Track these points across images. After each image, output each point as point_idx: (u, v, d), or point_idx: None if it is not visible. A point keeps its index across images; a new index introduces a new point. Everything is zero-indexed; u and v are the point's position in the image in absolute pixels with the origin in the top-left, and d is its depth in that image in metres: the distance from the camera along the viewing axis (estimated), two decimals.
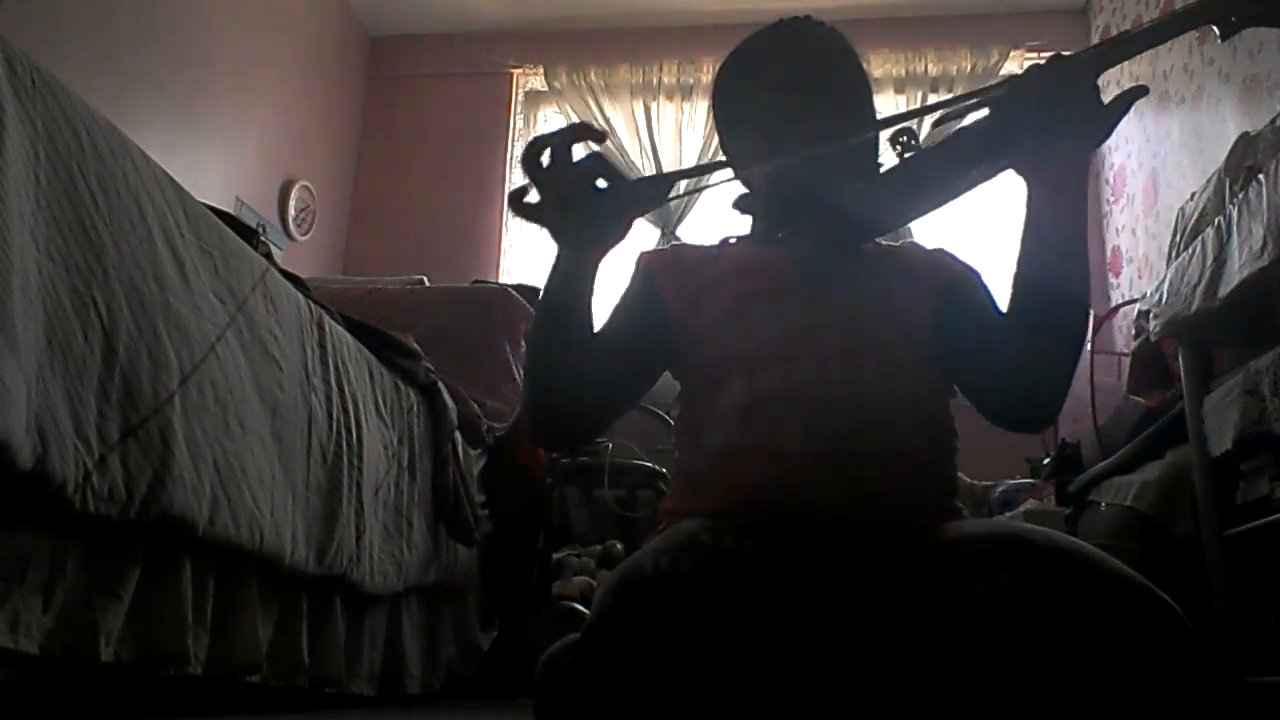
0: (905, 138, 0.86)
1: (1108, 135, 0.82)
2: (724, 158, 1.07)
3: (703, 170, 0.98)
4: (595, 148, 0.85)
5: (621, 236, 0.87)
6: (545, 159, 0.81)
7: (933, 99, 3.90)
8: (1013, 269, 0.90)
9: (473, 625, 2.59)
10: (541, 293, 0.91)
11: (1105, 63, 0.81)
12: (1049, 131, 0.81)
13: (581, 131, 0.83)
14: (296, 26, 3.83)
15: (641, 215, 0.90)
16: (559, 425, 0.95)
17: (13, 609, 1.01)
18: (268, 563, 1.49)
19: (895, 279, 1.00)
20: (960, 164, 0.85)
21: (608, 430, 1.01)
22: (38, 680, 1.13)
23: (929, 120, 3.83)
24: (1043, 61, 0.81)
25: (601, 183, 0.83)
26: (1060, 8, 3.95)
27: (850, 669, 0.74)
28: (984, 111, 0.84)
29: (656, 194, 0.88)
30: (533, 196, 0.83)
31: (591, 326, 0.92)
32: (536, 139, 0.82)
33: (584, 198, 0.83)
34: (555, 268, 0.88)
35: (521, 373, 2.91)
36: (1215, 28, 0.81)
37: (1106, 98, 0.81)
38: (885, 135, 0.90)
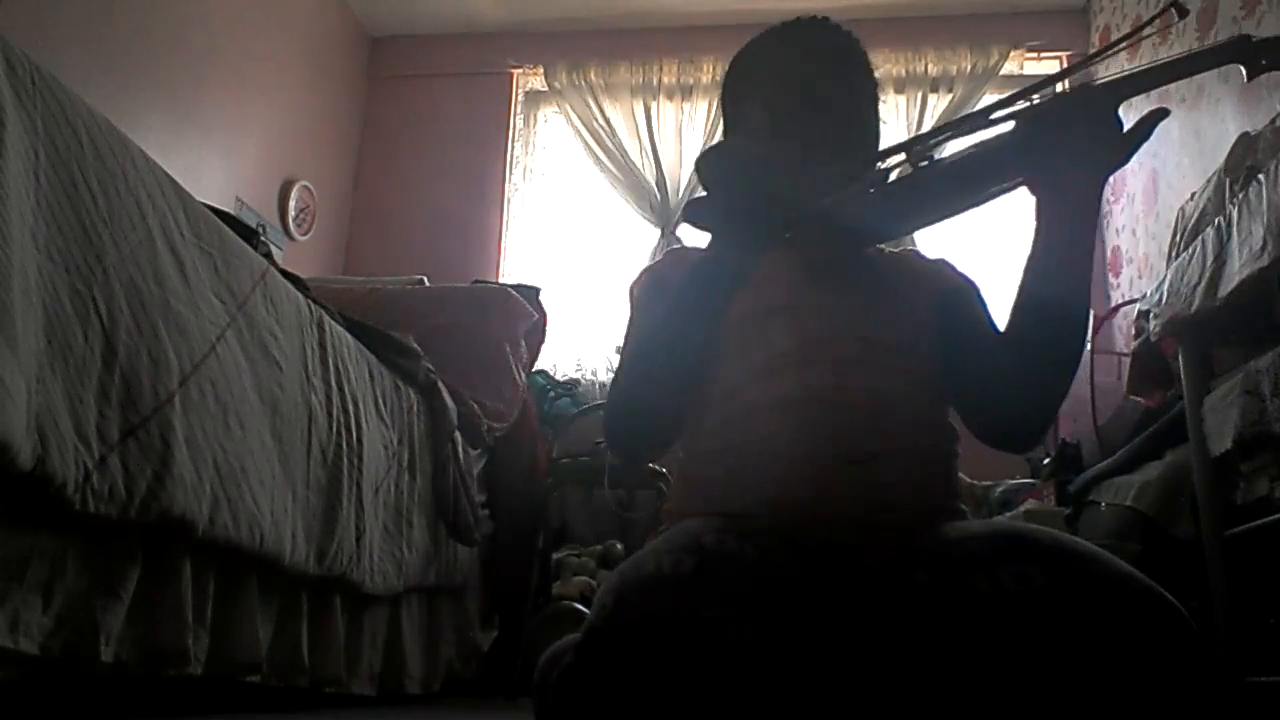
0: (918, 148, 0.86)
1: (1125, 162, 0.81)
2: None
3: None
4: None
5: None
6: None
7: (933, 99, 3.91)
8: (1015, 290, 0.89)
9: (473, 625, 2.59)
10: (687, 286, 0.88)
11: (1127, 93, 0.80)
12: (1068, 160, 0.81)
13: None
14: (297, 26, 3.82)
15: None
16: (653, 434, 0.93)
17: (13, 609, 1.01)
18: (268, 563, 1.49)
19: (898, 285, 1.01)
20: (974, 180, 0.85)
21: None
22: (38, 680, 1.13)
23: (929, 125, 3.84)
24: (1060, 86, 0.80)
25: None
26: (1060, 8, 3.94)
27: (854, 669, 0.74)
28: (995, 129, 0.84)
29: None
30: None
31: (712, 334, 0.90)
32: None
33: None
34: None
35: (521, 373, 2.92)
36: (1243, 68, 0.79)
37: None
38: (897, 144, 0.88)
